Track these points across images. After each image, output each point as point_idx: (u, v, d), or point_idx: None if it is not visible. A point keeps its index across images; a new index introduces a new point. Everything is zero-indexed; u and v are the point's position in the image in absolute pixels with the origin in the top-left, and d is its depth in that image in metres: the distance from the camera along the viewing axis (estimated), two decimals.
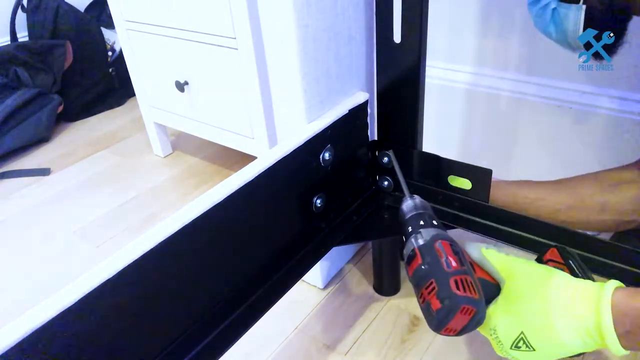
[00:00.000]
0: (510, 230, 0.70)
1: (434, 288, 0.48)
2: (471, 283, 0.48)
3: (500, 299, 0.52)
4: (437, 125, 1.20)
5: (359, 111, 0.74)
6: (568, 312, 0.48)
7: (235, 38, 1.02)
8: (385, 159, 0.78)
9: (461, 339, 0.82)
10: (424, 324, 0.85)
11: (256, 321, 0.63)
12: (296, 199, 0.67)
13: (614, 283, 0.48)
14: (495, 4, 1.03)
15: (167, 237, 0.49)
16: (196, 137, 1.32)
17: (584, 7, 0.60)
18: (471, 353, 0.80)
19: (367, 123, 0.77)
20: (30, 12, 1.72)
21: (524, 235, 0.69)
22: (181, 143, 1.56)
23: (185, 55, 1.16)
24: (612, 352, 0.47)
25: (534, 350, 0.50)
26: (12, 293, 1.04)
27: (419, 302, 0.51)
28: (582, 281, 0.51)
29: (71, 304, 0.42)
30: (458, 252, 0.50)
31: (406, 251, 0.54)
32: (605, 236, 0.86)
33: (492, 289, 0.53)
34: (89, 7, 1.85)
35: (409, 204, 0.58)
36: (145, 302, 0.49)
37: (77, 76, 1.76)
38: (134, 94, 1.43)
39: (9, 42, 1.72)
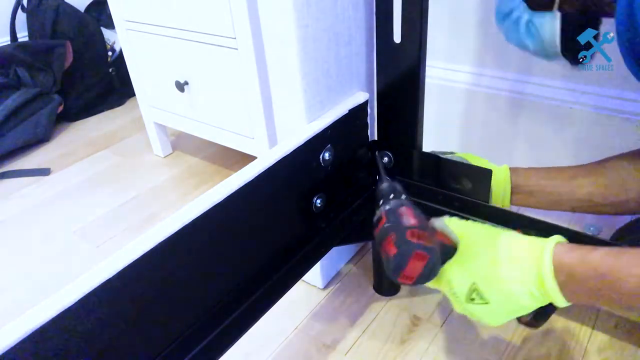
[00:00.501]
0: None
1: (392, 239, 0.53)
2: (426, 236, 0.53)
3: (455, 255, 0.56)
4: (437, 125, 1.20)
5: (359, 111, 0.74)
6: (514, 262, 0.52)
7: (235, 38, 1.02)
8: (385, 158, 0.78)
9: (461, 340, 0.82)
10: (424, 324, 0.85)
11: (256, 321, 0.63)
12: (296, 199, 0.67)
13: (556, 237, 0.52)
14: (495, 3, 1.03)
15: (167, 237, 0.49)
16: (196, 137, 1.32)
17: (559, 14, 0.61)
18: (471, 353, 0.80)
19: (367, 123, 0.77)
20: (30, 12, 1.72)
21: None
22: (181, 143, 1.56)
23: (185, 55, 1.16)
24: (556, 303, 0.51)
25: (487, 303, 0.53)
26: (12, 293, 1.04)
27: (382, 257, 0.55)
28: (528, 237, 0.54)
29: (71, 304, 0.42)
30: (419, 216, 0.55)
31: (375, 217, 0.58)
32: (605, 235, 0.86)
33: (450, 250, 0.56)
34: (89, 7, 1.85)
35: (385, 184, 0.62)
36: (145, 302, 0.49)
37: (77, 76, 1.76)
38: (134, 94, 1.43)
39: (9, 42, 1.72)
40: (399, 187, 0.62)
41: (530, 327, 0.56)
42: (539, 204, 0.75)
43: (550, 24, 0.62)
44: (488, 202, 0.72)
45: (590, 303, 0.51)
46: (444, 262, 0.55)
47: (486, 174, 0.71)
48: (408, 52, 0.70)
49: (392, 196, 0.59)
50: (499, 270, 0.52)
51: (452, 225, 0.57)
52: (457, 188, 0.74)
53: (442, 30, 1.11)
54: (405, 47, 0.70)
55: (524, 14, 0.64)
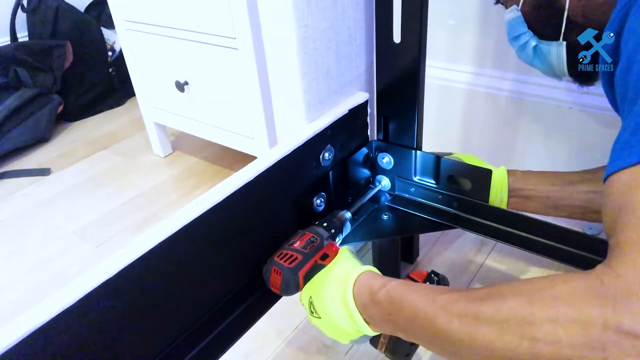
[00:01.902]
0: (509, 230, 0.70)
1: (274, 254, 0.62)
2: (295, 259, 0.59)
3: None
4: (437, 125, 1.20)
5: (359, 111, 0.74)
6: (334, 284, 0.57)
7: (235, 38, 1.02)
8: (385, 159, 0.78)
9: None
10: None
11: (256, 321, 0.63)
12: (296, 198, 0.67)
13: (369, 267, 0.57)
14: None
15: (167, 237, 0.49)
16: (196, 137, 1.32)
17: (564, 43, 0.64)
18: None
19: (367, 123, 0.77)
20: (30, 12, 1.72)
21: (523, 235, 0.69)
22: (181, 143, 1.56)
23: (185, 55, 1.16)
24: (361, 327, 0.54)
25: (320, 317, 0.58)
26: (12, 293, 1.04)
27: None
28: (357, 263, 0.59)
29: (71, 304, 0.42)
30: (313, 242, 0.62)
31: None
32: (604, 236, 0.86)
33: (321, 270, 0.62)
34: (89, 7, 1.85)
35: (337, 212, 0.69)
36: (145, 302, 0.49)
37: (77, 76, 1.76)
38: (134, 94, 1.43)
39: (9, 42, 1.72)
40: (341, 219, 0.69)
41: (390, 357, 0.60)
42: (537, 209, 0.75)
43: (557, 51, 0.65)
44: (487, 202, 0.72)
45: (389, 330, 0.54)
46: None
47: (486, 174, 0.71)
48: (408, 52, 0.70)
49: (317, 222, 0.66)
50: (323, 288, 0.58)
51: (340, 252, 0.63)
52: (456, 188, 0.74)
53: (442, 30, 1.11)
54: (405, 47, 0.70)
55: (531, 40, 0.67)
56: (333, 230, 0.66)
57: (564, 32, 0.63)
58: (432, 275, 0.62)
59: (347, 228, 0.70)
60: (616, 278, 0.35)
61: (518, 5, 0.66)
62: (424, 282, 0.61)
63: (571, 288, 0.37)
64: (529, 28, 0.67)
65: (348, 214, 0.70)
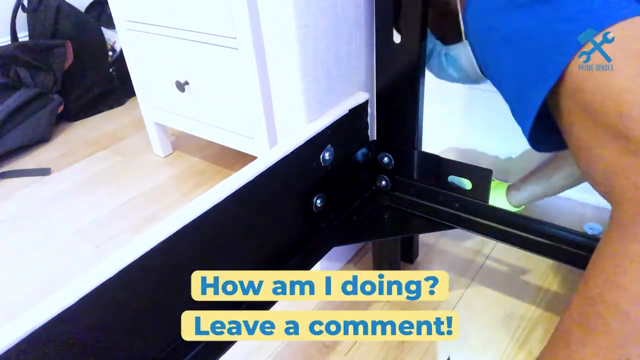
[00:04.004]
0: (509, 230, 0.70)
1: None
2: None
3: None
4: (437, 125, 1.20)
5: (359, 111, 0.74)
6: None
7: (235, 38, 1.02)
8: (385, 159, 0.78)
9: (461, 341, 0.82)
10: None
11: None
12: (296, 199, 0.67)
13: None
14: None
15: (166, 237, 0.49)
16: (196, 137, 1.32)
17: (467, 42, 0.65)
18: (471, 353, 0.80)
19: (367, 123, 0.77)
20: (31, 12, 1.72)
21: (523, 235, 0.69)
22: (181, 143, 1.56)
23: (186, 55, 1.16)
24: None
25: None
26: (12, 293, 1.04)
27: None
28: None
29: (71, 304, 0.42)
30: None
31: None
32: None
33: None
34: (89, 7, 1.85)
35: None
36: (146, 301, 0.49)
37: (77, 76, 1.76)
38: (134, 94, 1.43)
39: (9, 42, 1.72)
40: None
41: None
42: None
43: (465, 53, 0.66)
44: (487, 202, 0.72)
45: None
46: None
47: (486, 173, 0.71)
48: (408, 52, 0.70)
49: None
50: None
51: None
52: (457, 188, 0.74)
53: None
54: (405, 47, 0.70)
55: (442, 49, 0.69)
56: None
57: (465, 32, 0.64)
58: None
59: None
60: None
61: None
62: None
63: None
64: (436, 39, 0.69)
65: None
